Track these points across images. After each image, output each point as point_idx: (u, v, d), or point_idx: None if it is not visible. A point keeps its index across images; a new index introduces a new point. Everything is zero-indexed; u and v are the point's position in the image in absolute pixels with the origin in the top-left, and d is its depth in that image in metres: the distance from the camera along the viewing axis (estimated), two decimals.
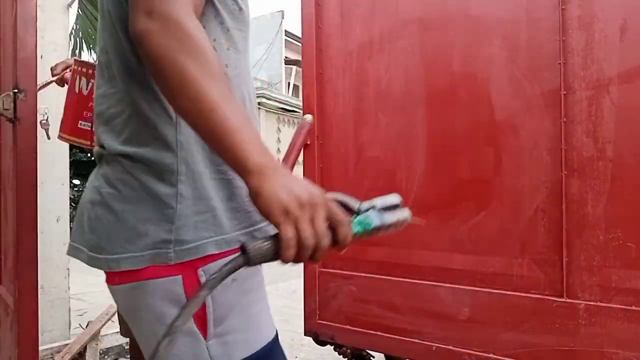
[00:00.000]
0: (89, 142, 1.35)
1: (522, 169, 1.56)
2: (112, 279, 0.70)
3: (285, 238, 0.54)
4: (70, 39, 4.22)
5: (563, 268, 1.47)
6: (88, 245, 0.71)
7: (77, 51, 4.47)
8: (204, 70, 0.57)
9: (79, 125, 1.35)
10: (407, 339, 1.75)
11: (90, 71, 1.35)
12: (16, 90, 1.21)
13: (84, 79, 1.34)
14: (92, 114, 1.35)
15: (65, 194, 2.61)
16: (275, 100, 13.35)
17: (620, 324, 1.38)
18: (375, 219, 0.62)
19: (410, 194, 1.78)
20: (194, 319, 0.66)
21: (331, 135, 1.99)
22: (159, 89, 0.63)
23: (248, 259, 0.55)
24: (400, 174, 1.81)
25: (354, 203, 0.63)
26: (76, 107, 1.35)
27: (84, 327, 2.52)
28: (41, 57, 2.26)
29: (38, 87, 1.33)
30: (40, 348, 1.87)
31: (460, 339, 1.64)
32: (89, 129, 1.34)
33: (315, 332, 2.00)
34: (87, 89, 1.34)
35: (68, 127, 1.37)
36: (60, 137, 1.39)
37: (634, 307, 1.37)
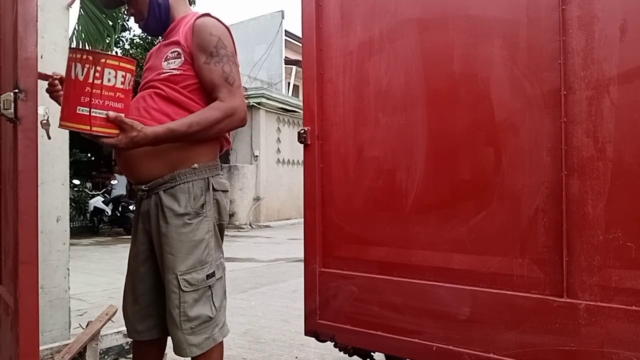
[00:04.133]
0: (88, 127, 1.34)
1: (522, 169, 1.56)
2: None
3: None
4: (72, 39, 4.22)
5: (563, 268, 1.48)
6: None
7: None
8: None
9: (77, 111, 1.33)
10: (407, 338, 1.75)
11: (84, 56, 1.34)
12: (16, 90, 1.21)
13: (78, 65, 1.33)
14: (89, 98, 1.34)
15: (65, 194, 2.60)
16: (275, 100, 13.34)
17: (620, 324, 1.38)
18: None
19: (410, 194, 1.78)
20: None
21: (331, 135, 1.99)
22: None
23: None
24: (400, 174, 1.81)
25: None
26: (73, 93, 1.35)
27: (84, 327, 2.51)
28: (41, 57, 2.25)
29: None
30: (41, 348, 1.87)
31: (460, 339, 1.64)
32: (87, 114, 1.34)
33: (316, 332, 2.00)
34: (82, 75, 1.33)
35: (67, 114, 1.36)
36: (60, 126, 1.39)
37: (634, 307, 1.37)
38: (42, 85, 1.65)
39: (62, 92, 1.60)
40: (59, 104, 1.61)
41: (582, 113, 1.46)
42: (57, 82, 1.63)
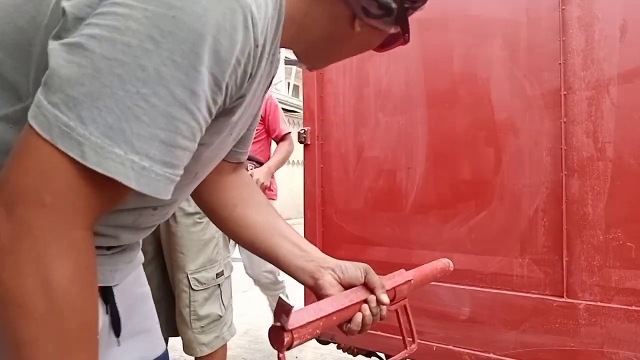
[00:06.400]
0: None
1: (522, 169, 1.56)
2: None
3: None
4: None
5: (563, 268, 1.48)
6: None
7: None
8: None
9: None
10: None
11: None
12: None
13: None
14: None
15: None
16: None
17: (620, 324, 1.38)
18: None
19: (410, 194, 1.78)
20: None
21: (331, 135, 1.99)
22: None
23: None
24: (400, 174, 1.81)
25: None
26: None
27: None
28: None
29: None
30: None
31: (460, 339, 1.64)
32: None
33: None
34: None
35: None
36: None
37: (634, 307, 1.37)
38: None
39: None
40: None
41: (582, 113, 1.46)
42: None
